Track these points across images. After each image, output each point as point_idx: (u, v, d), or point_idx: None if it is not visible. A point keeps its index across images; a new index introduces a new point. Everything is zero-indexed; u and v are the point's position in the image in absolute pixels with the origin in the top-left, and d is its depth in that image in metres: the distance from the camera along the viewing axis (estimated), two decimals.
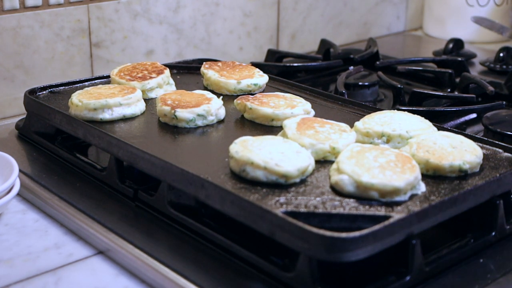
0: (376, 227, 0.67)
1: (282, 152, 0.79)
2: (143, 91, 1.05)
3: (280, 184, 0.77)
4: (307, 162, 0.79)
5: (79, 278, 0.76)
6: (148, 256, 0.76)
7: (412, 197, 0.75)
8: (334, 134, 0.86)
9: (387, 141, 0.88)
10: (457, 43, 1.52)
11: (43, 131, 1.05)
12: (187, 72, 1.21)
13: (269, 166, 0.76)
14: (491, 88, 1.18)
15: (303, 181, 0.78)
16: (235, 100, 1.00)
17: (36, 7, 1.18)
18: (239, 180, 0.78)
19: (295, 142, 0.83)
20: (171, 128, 0.96)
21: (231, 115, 1.00)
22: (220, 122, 0.98)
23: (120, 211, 0.86)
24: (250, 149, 0.79)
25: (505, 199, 0.80)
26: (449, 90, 1.28)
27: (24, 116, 1.08)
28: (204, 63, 1.15)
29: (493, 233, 0.79)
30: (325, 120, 0.91)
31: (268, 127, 0.96)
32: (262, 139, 0.82)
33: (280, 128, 0.91)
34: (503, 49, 1.45)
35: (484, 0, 1.69)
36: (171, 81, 1.12)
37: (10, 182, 0.85)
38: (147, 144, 0.89)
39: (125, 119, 0.98)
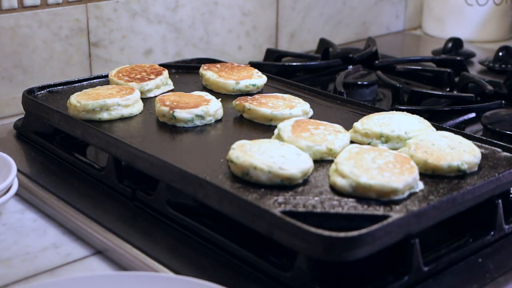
0: (375, 226, 0.67)
1: (282, 155, 0.79)
2: (141, 92, 1.05)
3: (281, 185, 0.77)
4: (309, 164, 0.79)
5: None
6: (146, 256, 0.76)
7: (411, 195, 0.75)
8: (330, 135, 0.86)
9: (386, 142, 0.88)
10: (456, 42, 1.52)
11: (41, 131, 1.05)
12: (185, 71, 1.21)
13: (273, 170, 0.76)
14: (490, 87, 1.18)
15: (302, 181, 0.78)
16: (233, 101, 1.00)
17: (34, 7, 1.18)
18: (237, 179, 0.78)
19: (292, 145, 0.83)
20: (170, 127, 0.95)
21: (229, 115, 1.00)
22: (218, 121, 0.98)
23: (119, 211, 0.86)
24: (251, 154, 0.79)
25: (504, 199, 0.80)
26: (448, 89, 1.28)
27: (23, 115, 1.08)
28: (203, 64, 1.16)
29: (492, 233, 0.79)
30: (318, 121, 0.91)
31: (266, 126, 0.96)
32: (260, 143, 0.82)
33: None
34: (502, 48, 1.45)
35: None
36: (169, 81, 1.12)
37: (8, 182, 0.85)
38: (145, 144, 0.89)
39: (123, 119, 0.98)
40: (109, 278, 0.68)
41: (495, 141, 0.89)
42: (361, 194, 0.74)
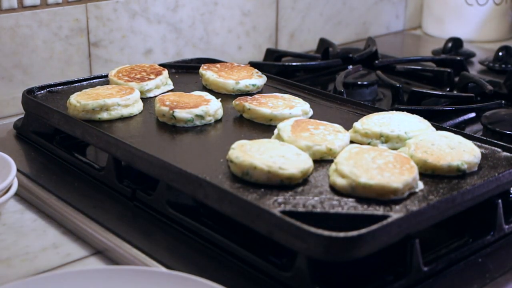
0: (374, 227, 0.67)
1: (282, 155, 0.79)
2: (141, 92, 1.05)
3: (281, 185, 0.77)
4: (308, 163, 0.79)
5: None
6: (146, 256, 0.76)
7: (411, 195, 0.75)
8: (329, 135, 0.86)
9: (385, 142, 0.88)
10: (456, 42, 1.52)
11: (41, 131, 1.05)
12: (185, 71, 1.21)
13: (273, 170, 0.76)
14: (490, 87, 1.18)
15: (302, 181, 0.78)
16: (233, 101, 1.00)
17: (34, 7, 1.18)
18: (237, 179, 0.78)
19: (292, 145, 0.83)
20: (169, 127, 0.95)
21: (229, 114, 1.00)
22: (218, 121, 0.98)
23: (118, 211, 0.86)
24: (250, 154, 0.79)
25: (504, 199, 0.80)
26: (448, 89, 1.28)
27: (22, 115, 1.08)
28: (202, 64, 1.15)
29: (492, 233, 0.79)
30: (318, 121, 0.91)
31: (266, 126, 0.96)
32: (260, 143, 0.82)
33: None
34: (502, 48, 1.45)
35: None
36: (169, 81, 1.12)
37: (8, 182, 0.85)
38: (145, 144, 0.89)
39: (123, 119, 0.98)
40: (104, 273, 0.68)
41: (495, 141, 0.89)
42: (361, 194, 0.74)
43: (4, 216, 0.88)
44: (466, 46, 1.55)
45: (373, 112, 0.96)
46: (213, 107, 0.97)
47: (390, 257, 0.72)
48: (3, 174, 0.87)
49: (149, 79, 1.08)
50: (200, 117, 0.96)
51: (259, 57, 1.47)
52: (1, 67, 1.17)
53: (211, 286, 0.65)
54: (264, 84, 1.12)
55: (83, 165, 0.95)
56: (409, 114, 0.94)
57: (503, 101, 1.15)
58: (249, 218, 0.72)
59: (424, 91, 1.18)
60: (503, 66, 1.42)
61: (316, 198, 0.74)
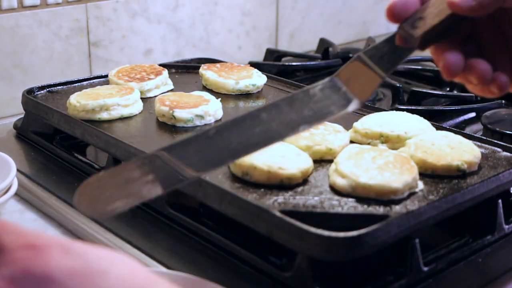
0: (375, 226, 0.67)
1: (282, 155, 0.79)
2: (141, 92, 1.05)
3: (281, 185, 0.77)
4: (309, 163, 0.79)
5: None
6: (146, 256, 0.76)
7: (411, 195, 0.75)
8: (329, 135, 0.86)
9: (385, 142, 0.88)
10: None
11: (41, 131, 1.05)
12: (185, 71, 1.21)
13: (273, 170, 0.76)
14: None
15: (302, 181, 0.78)
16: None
17: (34, 7, 1.18)
18: (237, 179, 0.78)
19: (292, 144, 0.83)
20: (169, 127, 0.95)
21: (229, 115, 1.00)
22: (218, 121, 0.98)
23: None
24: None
25: (504, 199, 0.80)
26: (448, 89, 1.27)
27: (22, 115, 1.08)
28: (202, 64, 1.16)
29: (492, 233, 0.79)
30: None
31: None
32: None
33: None
34: None
35: None
36: (169, 81, 1.12)
37: (8, 182, 0.85)
38: (145, 144, 0.88)
39: (123, 119, 0.98)
40: None
41: (495, 141, 0.89)
42: (360, 194, 0.74)
43: (4, 216, 0.88)
44: None
45: (373, 112, 0.96)
46: (213, 107, 0.97)
47: (390, 257, 0.72)
48: (3, 174, 0.87)
49: (149, 79, 1.08)
50: (200, 117, 0.96)
51: (259, 57, 1.47)
52: (1, 67, 1.17)
53: (211, 286, 0.65)
54: (264, 84, 1.12)
55: (83, 165, 0.95)
56: (409, 114, 0.94)
57: (503, 101, 1.15)
58: (249, 218, 0.72)
59: (424, 91, 1.18)
60: None
61: (316, 198, 0.74)
